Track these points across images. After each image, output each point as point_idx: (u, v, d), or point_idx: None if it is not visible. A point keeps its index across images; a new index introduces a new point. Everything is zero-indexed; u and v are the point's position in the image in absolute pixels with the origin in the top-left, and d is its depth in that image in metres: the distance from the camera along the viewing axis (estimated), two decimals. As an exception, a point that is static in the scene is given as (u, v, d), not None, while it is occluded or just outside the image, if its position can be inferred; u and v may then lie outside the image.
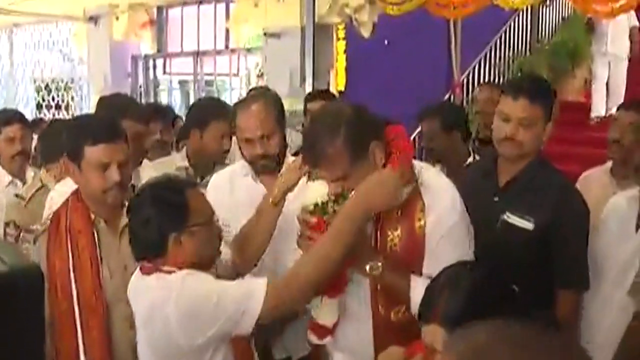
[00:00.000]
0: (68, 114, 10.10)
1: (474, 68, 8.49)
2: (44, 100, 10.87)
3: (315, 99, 4.43)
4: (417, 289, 1.99)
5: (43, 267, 2.27)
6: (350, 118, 1.99)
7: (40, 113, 10.65)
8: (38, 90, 11.13)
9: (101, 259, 2.35)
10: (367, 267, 2.02)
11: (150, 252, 1.99)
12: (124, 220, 2.33)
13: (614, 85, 7.89)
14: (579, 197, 2.54)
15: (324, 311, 2.11)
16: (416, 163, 2.15)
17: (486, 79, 8.56)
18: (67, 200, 2.44)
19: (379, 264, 2.02)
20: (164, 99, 9.77)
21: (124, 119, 2.75)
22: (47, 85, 10.86)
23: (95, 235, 2.36)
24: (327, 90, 5.76)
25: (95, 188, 2.32)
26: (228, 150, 3.39)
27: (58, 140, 2.96)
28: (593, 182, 3.19)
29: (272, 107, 2.69)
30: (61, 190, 2.69)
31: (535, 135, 2.48)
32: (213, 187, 2.86)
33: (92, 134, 2.30)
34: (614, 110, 7.23)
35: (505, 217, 2.47)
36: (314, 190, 2.10)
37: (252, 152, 2.67)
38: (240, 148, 2.76)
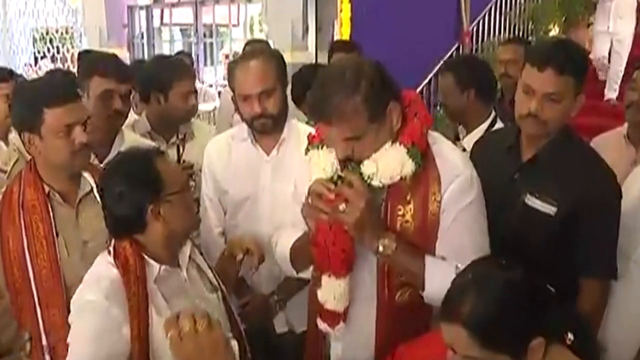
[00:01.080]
0: (64, 66, 9.87)
1: (484, 16, 8.26)
2: (39, 52, 10.65)
3: (339, 50, 4.37)
4: (432, 271, 1.93)
5: None
6: (371, 74, 1.87)
7: (36, 65, 10.47)
8: (35, 41, 10.93)
9: (57, 235, 2.21)
10: (380, 247, 1.90)
11: (130, 228, 1.90)
12: (81, 191, 2.26)
13: (612, 71, 7.32)
14: (608, 174, 2.25)
15: (332, 293, 2.00)
16: (432, 133, 2.01)
17: (496, 28, 8.37)
18: (20, 173, 2.29)
19: (393, 244, 1.90)
20: (165, 50, 9.53)
21: (92, 76, 2.66)
22: (42, 36, 10.63)
23: (50, 210, 2.21)
24: (350, 41, 5.53)
25: (62, 153, 2.16)
26: (194, 107, 3.27)
27: None
28: (607, 146, 2.91)
29: (272, 63, 2.57)
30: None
31: (563, 111, 2.20)
32: (211, 152, 2.77)
33: (48, 97, 2.14)
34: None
35: (526, 199, 2.24)
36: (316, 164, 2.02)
37: (250, 111, 2.54)
38: (238, 109, 2.63)
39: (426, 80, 7.41)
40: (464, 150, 2.92)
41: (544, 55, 2.19)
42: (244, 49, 4.51)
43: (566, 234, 2.20)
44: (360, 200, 1.84)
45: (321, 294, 2.04)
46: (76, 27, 9.63)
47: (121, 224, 1.91)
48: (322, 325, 2.08)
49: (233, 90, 2.62)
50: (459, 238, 1.96)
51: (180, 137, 3.19)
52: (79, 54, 5.82)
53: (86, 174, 2.28)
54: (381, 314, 2.04)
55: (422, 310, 2.03)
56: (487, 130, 3.15)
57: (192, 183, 2.80)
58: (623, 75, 7.08)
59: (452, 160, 1.97)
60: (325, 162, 2.00)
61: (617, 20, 7.31)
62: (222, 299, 2.08)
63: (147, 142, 2.76)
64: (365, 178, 1.90)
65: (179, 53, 6.81)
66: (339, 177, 1.92)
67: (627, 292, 2.25)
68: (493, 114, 3.27)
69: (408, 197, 1.94)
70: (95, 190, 2.22)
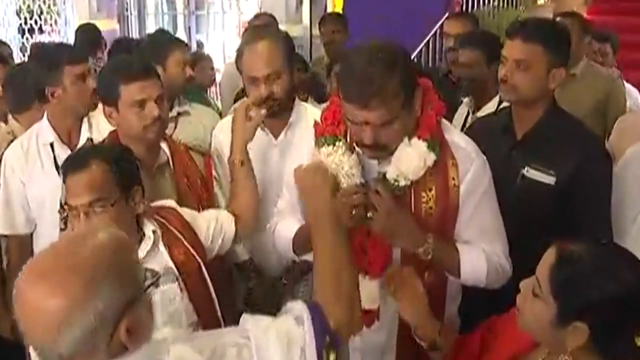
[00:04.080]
0: (51, 38, 9.73)
1: (474, -15, 8.28)
2: (26, 23, 10.46)
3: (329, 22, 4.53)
4: (465, 259, 1.99)
5: None
6: (404, 57, 1.88)
7: (23, 37, 10.28)
8: (19, 13, 10.71)
9: None
10: (421, 251, 1.93)
11: None
12: (160, 160, 2.46)
13: None
14: (601, 147, 2.43)
15: (368, 294, 1.99)
16: (442, 121, 2.04)
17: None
18: (104, 140, 2.47)
19: (430, 246, 1.92)
20: (151, 24, 9.42)
21: (65, 65, 2.68)
22: (29, 7, 10.44)
23: None
24: (340, 14, 5.58)
25: (136, 125, 2.32)
26: (191, 78, 3.35)
27: (25, 85, 2.89)
28: None
29: (281, 46, 2.58)
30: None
31: (533, 79, 2.35)
32: (219, 135, 2.79)
33: (125, 74, 2.32)
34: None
35: (524, 171, 2.37)
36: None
37: (257, 94, 2.54)
38: (245, 91, 2.66)
39: (416, 52, 7.46)
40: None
41: (516, 27, 2.40)
42: (250, 22, 4.57)
43: (565, 203, 2.32)
44: (386, 208, 1.86)
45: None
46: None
47: None
48: None
49: (241, 72, 2.63)
50: (483, 221, 2.02)
51: (174, 114, 3.19)
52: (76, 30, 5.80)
53: (164, 145, 2.48)
54: None
55: (440, 293, 2.08)
56: (499, 102, 3.21)
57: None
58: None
59: (465, 148, 2.01)
60: (349, 164, 1.97)
61: None
62: (183, 287, 2.09)
63: None
64: (392, 182, 1.92)
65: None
66: (362, 184, 1.93)
67: None
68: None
69: (430, 185, 1.97)
70: (171, 161, 2.46)
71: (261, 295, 2.71)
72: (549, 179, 2.33)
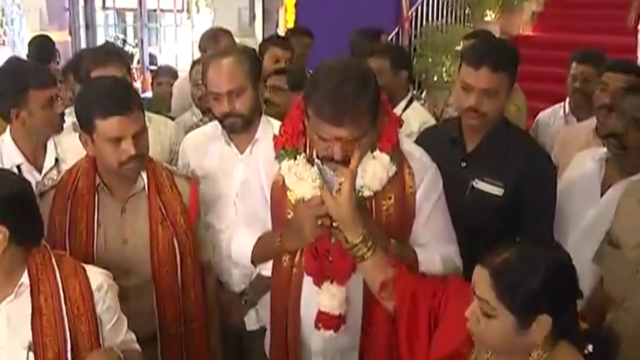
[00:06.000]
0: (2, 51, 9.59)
1: (422, 2, 8.49)
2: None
3: (275, 45, 4.41)
4: (424, 261, 2.06)
5: (45, 223, 2.20)
6: (373, 76, 1.93)
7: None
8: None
9: (99, 227, 2.27)
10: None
11: None
12: (132, 190, 2.30)
13: None
14: (547, 158, 2.54)
15: (335, 300, 2.03)
16: None
17: (434, 14, 8.58)
18: (80, 161, 2.34)
19: (393, 251, 1.99)
20: (101, 36, 9.37)
21: (29, 89, 2.57)
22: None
23: (96, 202, 2.27)
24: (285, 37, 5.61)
25: (111, 161, 2.20)
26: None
27: None
28: (579, 138, 3.19)
29: (244, 62, 2.58)
30: None
31: (500, 104, 2.42)
32: (186, 150, 2.80)
33: (103, 107, 2.15)
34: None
35: (474, 183, 2.46)
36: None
37: (220, 110, 2.57)
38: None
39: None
40: None
41: (478, 56, 2.40)
42: (202, 37, 4.55)
43: (512, 213, 2.42)
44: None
45: (323, 301, 2.05)
46: (14, 8, 9.33)
47: None
48: (326, 332, 2.06)
49: (206, 87, 2.65)
50: (438, 225, 2.12)
51: None
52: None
53: (143, 173, 2.32)
54: (368, 295, 2.06)
55: None
56: (404, 107, 3.66)
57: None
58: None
59: (420, 158, 2.10)
60: (311, 176, 2.00)
61: None
62: None
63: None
64: (357, 193, 1.94)
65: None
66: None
67: None
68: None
69: (389, 193, 2.03)
70: (147, 189, 2.29)
71: (225, 309, 2.70)
72: (498, 190, 2.43)
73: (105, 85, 2.27)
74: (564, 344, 1.60)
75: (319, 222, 1.93)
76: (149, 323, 2.30)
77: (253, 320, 2.75)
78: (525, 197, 2.42)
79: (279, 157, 2.06)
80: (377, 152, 2.00)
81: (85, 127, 2.20)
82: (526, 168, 2.41)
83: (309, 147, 2.06)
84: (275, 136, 2.11)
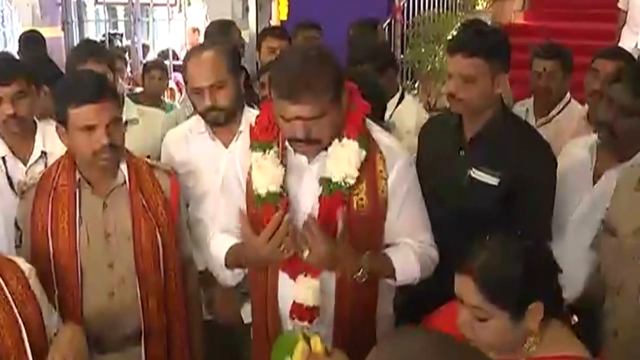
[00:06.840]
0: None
1: (415, -8, 8.48)
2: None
3: (272, 36, 4.42)
4: (399, 263, 2.09)
5: (27, 223, 2.28)
6: (334, 59, 1.99)
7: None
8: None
9: (80, 222, 2.27)
10: (357, 276, 2.02)
11: None
12: (113, 184, 2.30)
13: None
14: (542, 148, 2.53)
15: (310, 292, 2.06)
16: (367, 120, 2.14)
17: (426, 3, 8.60)
18: (61, 157, 2.34)
19: (366, 269, 2.01)
20: (91, 31, 9.35)
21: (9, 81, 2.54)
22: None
23: (77, 196, 2.27)
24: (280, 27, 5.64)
25: (84, 151, 2.19)
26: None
27: None
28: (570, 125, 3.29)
29: (225, 56, 2.60)
30: None
31: (479, 90, 2.42)
32: (169, 146, 2.80)
33: (75, 95, 2.16)
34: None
35: (472, 172, 2.48)
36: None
37: (201, 104, 2.58)
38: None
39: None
40: None
41: (455, 42, 2.48)
42: (209, 29, 4.54)
43: (508, 202, 2.44)
44: (320, 246, 1.93)
45: (298, 294, 2.08)
46: (6, 4, 9.31)
47: None
48: (301, 323, 2.08)
49: (186, 83, 2.67)
50: (412, 214, 2.14)
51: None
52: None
53: (123, 167, 2.30)
54: (340, 287, 2.11)
55: (372, 290, 2.16)
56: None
57: None
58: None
59: (390, 145, 2.11)
60: (271, 176, 2.05)
61: None
62: None
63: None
64: (340, 184, 2.00)
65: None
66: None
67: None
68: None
69: (361, 178, 2.04)
70: (128, 183, 2.29)
71: (221, 303, 2.73)
72: (493, 180, 2.44)
73: (78, 76, 2.36)
74: (554, 323, 1.65)
75: (282, 249, 1.98)
76: (133, 319, 2.31)
77: (249, 313, 2.69)
78: (523, 186, 2.43)
79: (252, 147, 2.11)
80: (344, 140, 2.02)
81: (61, 117, 2.21)
82: (524, 157, 2.43)
83: (282, 139, 2.10)
84: (251, 126, 2.15)
